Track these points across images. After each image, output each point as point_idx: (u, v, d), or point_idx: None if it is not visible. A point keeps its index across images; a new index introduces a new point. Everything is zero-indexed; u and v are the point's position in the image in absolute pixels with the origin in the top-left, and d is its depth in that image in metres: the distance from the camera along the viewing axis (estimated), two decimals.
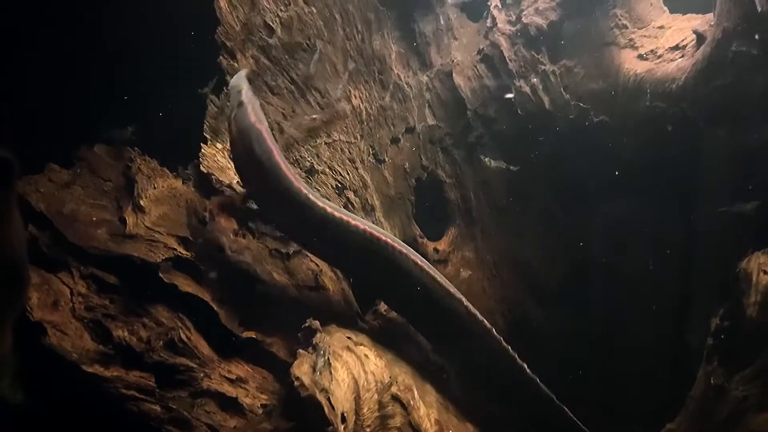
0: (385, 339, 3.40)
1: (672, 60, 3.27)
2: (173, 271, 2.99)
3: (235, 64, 3.64)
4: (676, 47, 3.30)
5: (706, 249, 3.18)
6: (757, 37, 2.69)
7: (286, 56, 3.70)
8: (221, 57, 3.58)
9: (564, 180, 3.66)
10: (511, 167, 3.78)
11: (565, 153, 3.62)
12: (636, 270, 3.46)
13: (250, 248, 3.34)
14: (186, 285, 2.98)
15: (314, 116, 3.70)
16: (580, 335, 3.60)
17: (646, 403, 3.35)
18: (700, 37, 3.12)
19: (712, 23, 3.05)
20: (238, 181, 3.45)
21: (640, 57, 3.40)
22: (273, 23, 3.69)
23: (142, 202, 3.20)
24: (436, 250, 3.84)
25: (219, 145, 3.51)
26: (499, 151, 3.85)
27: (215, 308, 2.98)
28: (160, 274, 2.92)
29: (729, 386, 2.89)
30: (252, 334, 3.05)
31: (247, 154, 2.98)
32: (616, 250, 3.50)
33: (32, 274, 2.71)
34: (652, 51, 3.37)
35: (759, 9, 2.63)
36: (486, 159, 3.79)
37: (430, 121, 3.94)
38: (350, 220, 3.00)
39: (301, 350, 2.80)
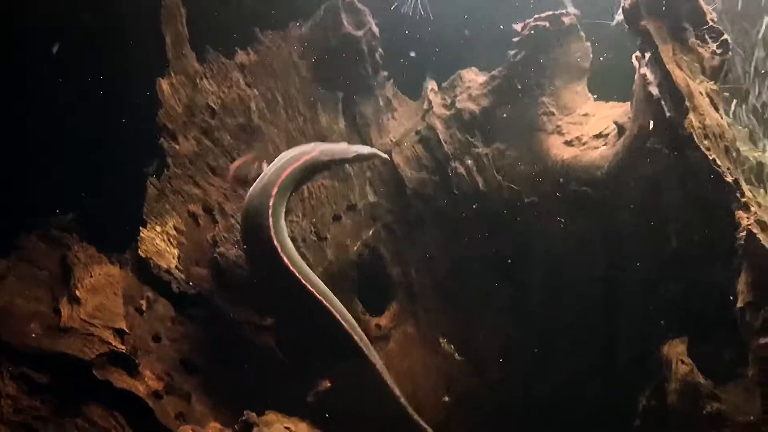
0: (327, 422, 3.39)
1: (596, 147, 3.42)
2: (108, 366, 2.96)
3: (177, 146, 3.65)
4: (600, 135, 3.45)
5: (630, 329, 3.28)
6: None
7: (228, 137, 3.74)
8: (162, 139, 3.60)
9: (499, 257, 3.73)
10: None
11: (499, 231, 3.71)
12: (566, 342, 3.53)
13: (188, 336, 3.31)
14: (120, 381, 2.94)
15: None
16: (523, 407, 3.65)
17: None
18: (621, 129, 3.27)
19: (630, 116, 3.20)
20: (177, 266, 3.43)
21: (567, 143, 3.53)
22: (215, 105, 3.74)
23: (77, 293, 3.16)
24: (378, 326, 3.85)
25: (158, 228, 3.50)
26: (439, 229, 3.90)
27: (150, 404, 2.94)
28: (94, 372, 2.87)
29: None
30: (188, 429, 3.00)
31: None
32: (546, 322, 3.57)
33: None
34: (577, 138, 3.51)
35: (667, 114, 2.78)
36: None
37: (371, 198, 3.99)
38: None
39: None
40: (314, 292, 3.12)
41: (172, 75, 3.67)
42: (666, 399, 2.91)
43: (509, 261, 3.70)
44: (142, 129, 3.62)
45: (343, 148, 3.55)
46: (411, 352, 3.82)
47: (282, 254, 3.07)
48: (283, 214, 3.24)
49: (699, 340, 2.88)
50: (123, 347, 3.02)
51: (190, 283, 3.42)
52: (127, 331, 3.10)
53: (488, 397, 3.73)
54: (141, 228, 3.42)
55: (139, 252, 3.36)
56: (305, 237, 3.81)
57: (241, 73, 3.79)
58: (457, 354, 3.75)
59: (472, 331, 3.85)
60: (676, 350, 2.86)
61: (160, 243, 3.46)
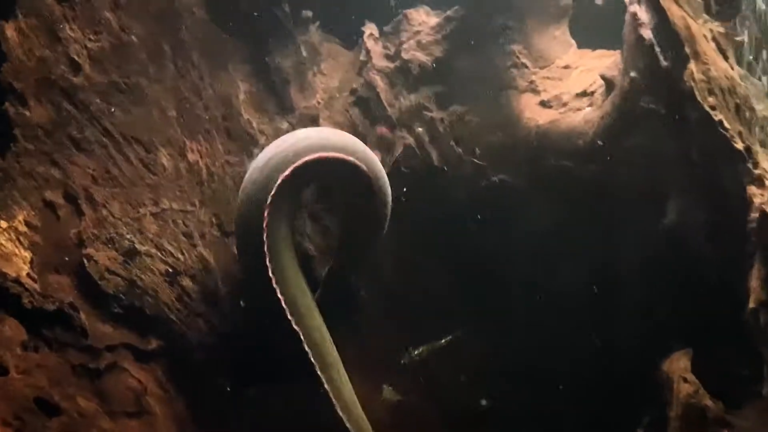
0: None
1: (579, 109, 3.51)
2: None
3: (27, 113, 3.60)
4: (584, 93, 3.55)
5: (628, 340, 3.38)
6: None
7: (98, 100, 3.71)
8: (7, 104, 3.55)
9: (462, 254, 3.80)
10: None
11: (459, 220, 3.77)
12: (550, 368, 3.64)
13: (44, 365, 3.30)
14: None
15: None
16: None
17: None
18: (609, 84, 3.35)
19: (621, 68, 3.28)
20: (29, 273, 3.40)
21: (543, 104, 3.62)
22: (79, 57, 3.70)
23: None
24: None
25: (3, 224, 3.47)
26: None
27: None
28: None
29: None
30: None
31: None
32: (523, 338, 3.67)
33: None
34: (556, 97, 3.60)
35: (663, 64, 2.86)
36: None
37: None
38: None
39: None
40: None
41: (21, 17, 3.60)
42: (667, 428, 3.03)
43: (475, 259, 3.76)
44: None
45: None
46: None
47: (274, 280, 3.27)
48: (288, 219, 3.45)
49: (707, 352, 2.99)
50: None
51: (48, 296, 3.39)
52: None
53: None
54: None
55: None
56: (204, 232, 3.81)
57: (114, 13, 3.74)
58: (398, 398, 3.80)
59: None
60: (679, 366, 2.97)
61: (5, 243, 3.41)
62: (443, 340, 3.82)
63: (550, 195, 3.57)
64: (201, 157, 3.86)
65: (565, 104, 3.57)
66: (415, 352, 3.79)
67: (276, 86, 4.05)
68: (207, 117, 3.89)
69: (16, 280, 3.34)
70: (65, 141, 3.63)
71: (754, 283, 2.64)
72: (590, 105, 3.49)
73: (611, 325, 3.47)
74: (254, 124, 3.98)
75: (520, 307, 3.75)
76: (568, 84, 3.63)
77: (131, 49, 3.76)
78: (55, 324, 3.39)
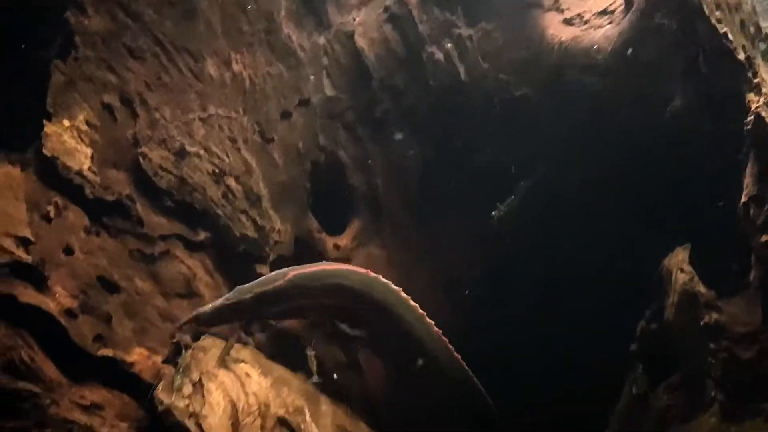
0: (275, 353, 3.80)
1: (599, 27, 3.77)
2: (11, 278, 3.24)
3: (86, 22, 3.86)
4: (605, 12, 3.80)
5: (637, 243, 3.70)
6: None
7: (150, 11, 3.94)
8: (69, 12, 3.78)
9: (482, 163, 4.10)
10: None
11: (482, 132, 4.07)
12: (562, 266, 3.96)
13: (105, 248, 3.62)
14: (27, 295, 3.24)
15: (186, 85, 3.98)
16: (499, 339, 4.11)
17: (573, 414, 3.89)
18: (628, 3, 3.61)
19: None
20: (90, 167, 3.68)
21: (566, 22, 3.88)
22: None
23: None
24: (336, 246, 4.24)
25: (66, 123, 3.72)
26: (410, 129, 4.25)
27: (63, 322, 3.27)
28: None
29: (653, 395, 3.45)
30: (109, 352, 3.36)
31: None
32: (536, 246, 3.99)
33: None
34: (578, 15, 3.86)
35: None
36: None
37: (329, 91, 4.31)
38: None
39: (166, 371, 3.15)
40: None
41: None
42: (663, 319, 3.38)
43: (493, 167, 4.08)
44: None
45: None
46: None
47: None
48: None
49: (704, 248, 3.30)
50: (28, 257, 3.31)
51: (107, 188, 3.67)
52: (32, 239, 3.37)
53: (462, 328, 4.13)
54: (45, 122, 3.58)
55: (44, 151, 3.54)
56: (247, 137, 4.12)
57: None
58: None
59: (446, 252, 4.24)
60: (677, 259, 3.29)
61: (68, 140, 3.66)
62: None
63: (568, 107, 3.84)
64: (245, 68, 4.13)
65: (586, 22, 3.82)
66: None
67: (314, 3, 4.29)
68: (250, 30, 4.14)
69: (79, 173, 3.61)
70: (121, 49, 3.87)
71: (748, 179, 2.94)
72: (610, 23, 3.74)
73: (618, 225, 3.77)
74: (294, 39, 4.25)
75: (533, 214, 4.06)
76: (590, 3, 3.87)
77: None
78: (113, 213, 3.69)
